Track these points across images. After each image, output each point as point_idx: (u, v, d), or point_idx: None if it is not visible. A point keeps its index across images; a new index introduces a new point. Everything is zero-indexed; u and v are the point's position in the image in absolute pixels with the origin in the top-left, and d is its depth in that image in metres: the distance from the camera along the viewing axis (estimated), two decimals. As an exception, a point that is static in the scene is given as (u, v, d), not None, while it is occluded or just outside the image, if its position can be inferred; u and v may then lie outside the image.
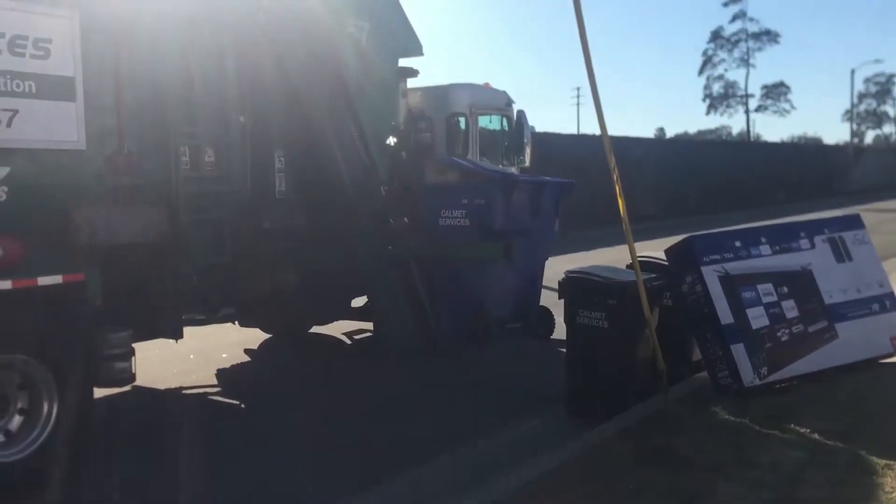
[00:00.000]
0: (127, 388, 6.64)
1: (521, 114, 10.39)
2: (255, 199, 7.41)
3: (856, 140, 69.16)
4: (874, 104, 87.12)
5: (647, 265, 7.16)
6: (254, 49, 7.43)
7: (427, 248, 8.68)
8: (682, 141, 60.87)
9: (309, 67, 7.91)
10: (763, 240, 7.38)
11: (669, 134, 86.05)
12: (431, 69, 10.01)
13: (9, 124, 5.41)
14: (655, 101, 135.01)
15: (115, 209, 6.06)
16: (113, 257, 6.03)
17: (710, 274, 6.87)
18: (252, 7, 7.57)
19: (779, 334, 6.97)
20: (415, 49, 9.59)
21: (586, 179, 23.36)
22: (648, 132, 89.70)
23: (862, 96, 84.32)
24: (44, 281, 5.52)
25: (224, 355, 9.30)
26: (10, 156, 5.42)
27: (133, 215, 6.15)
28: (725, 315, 6.76)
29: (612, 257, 10.64)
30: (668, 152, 35.86)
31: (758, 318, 6.92)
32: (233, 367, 9.00)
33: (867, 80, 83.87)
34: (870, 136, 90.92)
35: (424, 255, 8.57)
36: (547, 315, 9.60)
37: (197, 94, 6.73)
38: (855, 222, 8.06)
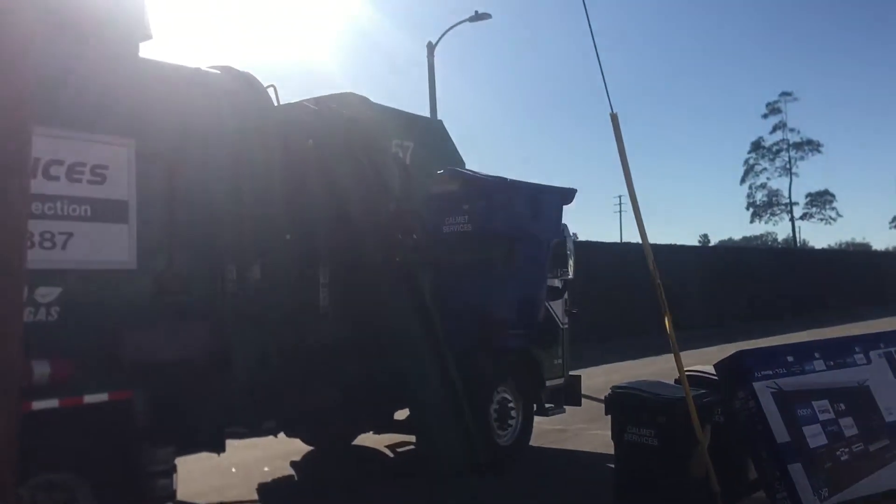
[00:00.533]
0: (167, 505, 6.62)
1: (563, 227, 10.44)
2: (299, 315, 7.47)
3: (905, 245, 68.00)
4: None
5: (696, 380, 7.02)
6: (302, 171, 7.65)
7: (433, 255, 8.73)
8: (727, 248, 60.42)
9: (353, 185, 8.09)
10: (817, 355, 7.19)
11: (713, 241, 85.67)
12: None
13: (63, 246, 5.61)
14: (698, 209, 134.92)
15: (162, 326, 6.15)
16: (158, 374, 6.08)
17: (763, 390, 6.67)
18: (302, 132, 7.84)
19: (838, 453, 6.69)
20: (457, 164, 9.82)
21: (630, 287, 23.50)
22: (692, 240, 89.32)
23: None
24: (90, 399, 5.58)
25: (266, 468, 9.18)
26: (62, 277, 5.60)
27: (179, 332, 6.24)
28: (781, 433, 6.52)
29: (658, 368, 10.45)
30: (712, 259, 35.56)
31: (815, 436, 6.66)
32: (274, 480, 8.86)
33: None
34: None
35: (430, 262, 8.61)
36: (551, 324, 9.62)
37: (245, 213, 6.90)
38: None
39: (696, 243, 68.96)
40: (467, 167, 9.93)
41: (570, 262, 10.40)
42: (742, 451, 6.90)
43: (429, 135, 9.47)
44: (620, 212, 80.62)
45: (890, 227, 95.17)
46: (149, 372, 5.99)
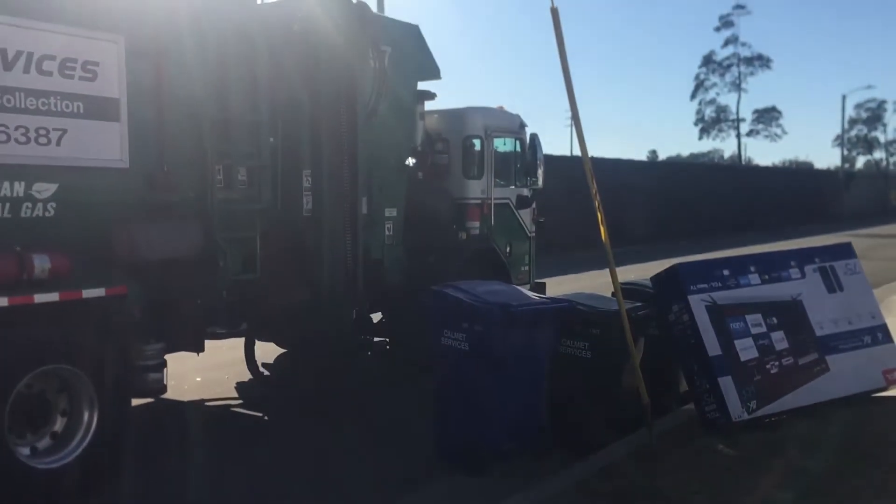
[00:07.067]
0: (151, 399, 6.93)
1: (534, 137, 10.57)
2: (283, 218, 7.60)
3: (847, 165, 69.35)
4: (865, 130, 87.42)
5: (633, 292, 7.02)
6: (284, 73, 7.62)
7: None
8: (674, 163, 61.14)
9: (330, 90, 8.04)
10: (752, 268, 7.22)
11: (662, 157, 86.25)
12: (442, 92, 10.15)
13: (58, 143, 5.66)
14: (649, 124, 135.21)
15: (154, 225, 6.28)
16: (151, 271, 6.24)
17: (698, 303, 6.71)
18: (285, 31, 7.76)
19: (768, 367, 6.80)
20: (433, 73, 9.75)
21: (577, 200, 23.74)
22: (642, 155, 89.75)
23: (853, 122, 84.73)
24: (88, 293, 5.75)
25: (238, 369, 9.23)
26: (58, 173, 5.67)
27: (171, 231, 6.36)
28: (713, 346, 6.59)
29: (600, 282, 10.69)
30: (659, 175, 35.91)
31: (746, 349, 6.75)
32: (249, 380, 8.96)
33: (858, 106, 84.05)
34: (860, 162, 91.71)
35: None
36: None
37: (231, 115, 6.93)
38: (846, 251, 7.86)
39: (645, 159, 69.37)
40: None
41: (540, 172, 10.60)
42: (675, 364, 7.00)
43: (406, 41, 9.34)
44: (571, 126, 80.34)
45: (833, 146, 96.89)
46: (143, 268, 6.14)
